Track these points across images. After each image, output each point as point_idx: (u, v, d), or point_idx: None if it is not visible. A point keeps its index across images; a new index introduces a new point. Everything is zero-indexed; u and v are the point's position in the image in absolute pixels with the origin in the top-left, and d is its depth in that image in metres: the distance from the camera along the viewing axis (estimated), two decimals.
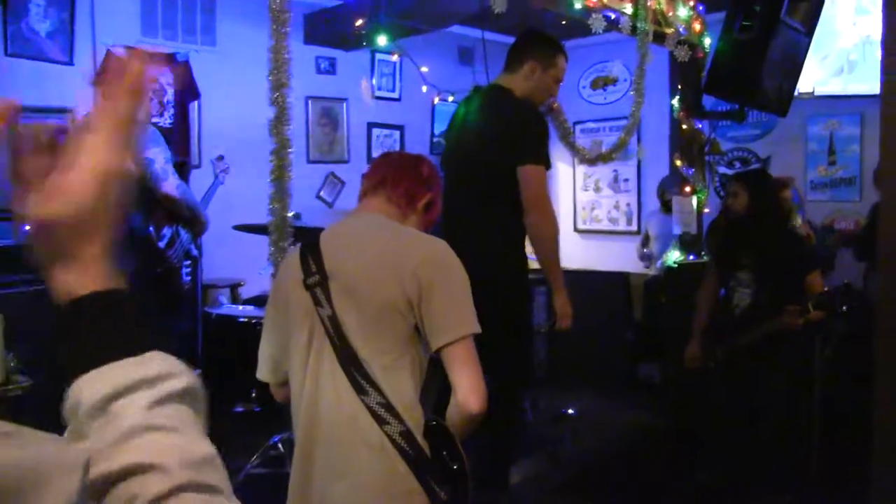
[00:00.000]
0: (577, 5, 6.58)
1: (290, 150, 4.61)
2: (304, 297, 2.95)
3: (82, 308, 1.05)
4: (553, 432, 7.05)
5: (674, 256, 8.30)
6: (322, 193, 9.83)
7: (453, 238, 3.10)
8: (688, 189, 8.28)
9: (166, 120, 8.07)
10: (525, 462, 6.53)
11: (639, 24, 7.12)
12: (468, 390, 2.80)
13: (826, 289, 5.68)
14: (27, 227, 1.04)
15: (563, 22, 7.18)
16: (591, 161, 8.13)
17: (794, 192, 8.04)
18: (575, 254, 12.25)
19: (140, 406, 1.00)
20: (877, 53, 8.91)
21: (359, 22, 7.43)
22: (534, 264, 9.46)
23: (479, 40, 6.24)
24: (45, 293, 1.07)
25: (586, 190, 12.58)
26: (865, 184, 9.35)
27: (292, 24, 4.60)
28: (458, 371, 2.82)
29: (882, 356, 3.10)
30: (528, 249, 5.29)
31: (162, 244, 5.82)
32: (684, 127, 8.46)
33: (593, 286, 9.52)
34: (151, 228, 5.73)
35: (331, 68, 9.84)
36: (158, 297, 5.68)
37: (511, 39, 5.56)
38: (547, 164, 5.03)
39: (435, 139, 10.83)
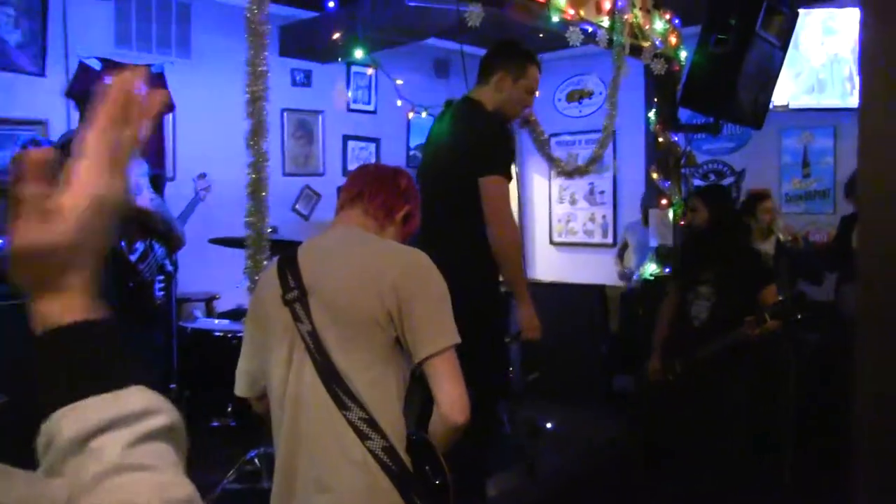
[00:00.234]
0: (555, 18, 6.58)
1: (266, 162, 4.58)
2: (283, 313, 2.93)
3: (63, 338, 1.02)
4: (530, 445, 7.03)
5: (650, 269, 8.31)
6: (297, 206, 9.81)
7: (428, 251, 3.08)
8: (664, 202, 8.30)
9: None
10: (502, 475, 6.51)
11: (615, 38, 7.12)
12: (452, 402, 2.79)
13: (781, 298, 5.71)
14: (8, 251, 1.01)
15: (541, 35, 7.18)
16: (569, 174, 8.14)
17: None
18: (550, 266, 12.29)
19: (119, 444, 0.96)
20: (844, 71, 8.97)
21: (335, 35, 7.41)
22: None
23: (455, 53, 6.26)
24: (21, 308, 1.04)
25: (562, 202, 12.58)
26: (839, 196, 9.37)
27: (267, 35, 4.58)
28: (441, 383, 2.81)
29: (862, 368, 3.08)
30: None
31: (133, 257, 5.79)
32: (660, 140, 8.47)
33: (569, 299, 9.52)
34: (123, 242, 5.70)
35: (306, 80, 9.83)
36: (130, 312, 5.64)
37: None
38: (508, 176, 4.99)
39: (411, 152, 10.83)
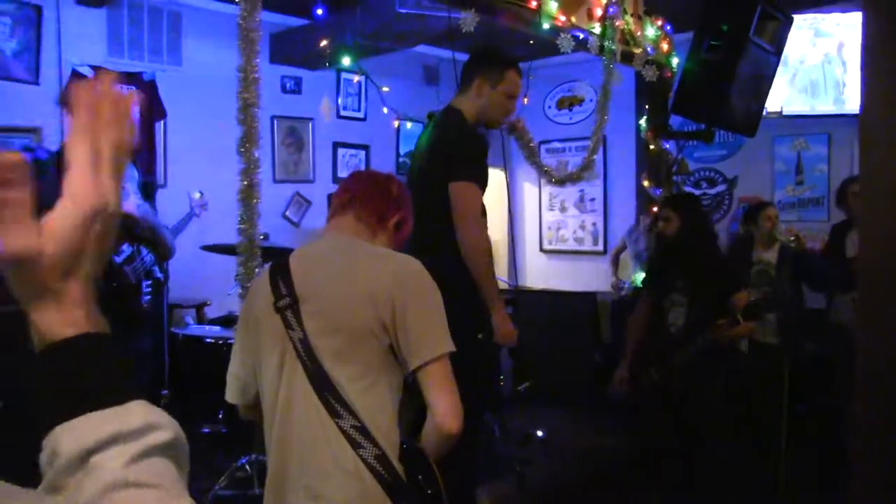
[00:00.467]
0: (546, 25, 6.57)
1: (258, 169, 4.57)
2: (274, 320, 2.91)
3: (62, 353, 1.00)
4: (521, 453, 7.02)
5: (641, 276, 8.30)
6: (288, 213, 9.78)
7: (417, 257, 3.07)
8: (655, 209, 8.29)
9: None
10: (494, 484, 6.50)
11: (606, 44, 7.12)
12: (446, 410, 2.78)
13: (752, 299, 5.73)
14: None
15: (531, 42, 7.18)
16: (559, 182, 8.13)
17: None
18: (541, 274, 12.27)
19: (120, 460, 0.95)
20: (836, 71, 8.97)
21: (323, 42, 7.41)
22: (500, 284, 9.44)
23: (444, 60, 6.25)
24: (17, 314, 1.02)
25: (552, 210, 12.56)
26: (833, 204, 9.38)
27: (259, 43, 4.58)
28: (435, 391, 2.80)
29: (862, 375, 3.08)
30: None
31: (119, 259, 5.79)
32: (652, 147, 8.47)
33: (560, 307, 9.52)
34: None
35: (296, 87, 9.81)
36: (112, 312, 5.62)
37: None
38: (479, 182, 4.97)
39: (400, 159, 10.81)
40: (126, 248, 5.86)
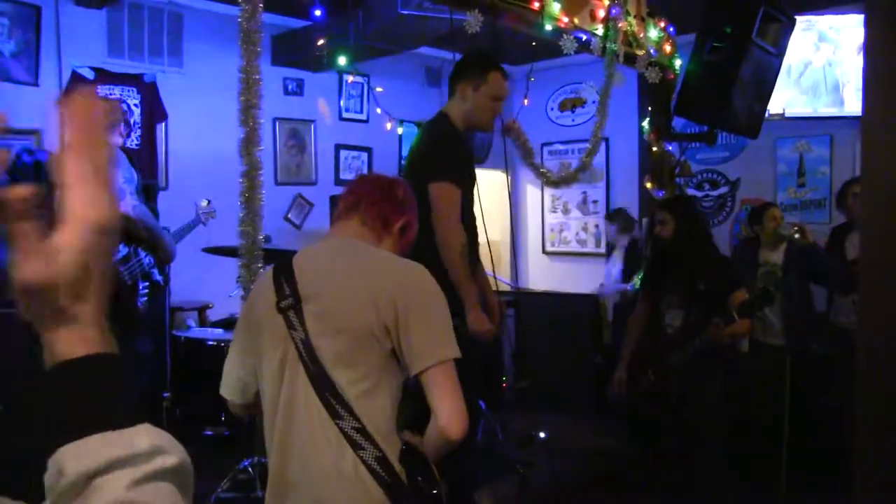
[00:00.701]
0: (549, 27, 6.56)
1: (260, 171, 4.57)
2: (277, 320, 2.90)
3: (72, 372, 0.99)
4: (523, 455, 7.01)
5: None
6: (290, 215, 9.78)
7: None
8: (652, 211, 8.28)
9: (133, 141, 8.02)
10: (496, 485, 6.49)
11: (608, 46, 7.11)
12: (449, 416, 2.77)
13: (746, 297, 5.72)
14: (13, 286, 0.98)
15: (533, 43, 7.17)
16: (555, 183, 8.14)
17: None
18: (543, 276, 12.26)
19: (123, 483, 0.94)
20: (838, 73, 8.96)
21: (320, 42, 7.41)
22: (502, 286, 9.42)
23: (447, 62, 6.24)
24: (15, 317, 1.01)
25: (554, 212, 12.56)
26: (834, 206, 9.37)
27: (260, 44, 4.57)
28: (438, 396, 2.78)
29: (862, 375, 3.08)
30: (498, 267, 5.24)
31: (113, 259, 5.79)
32: (654, 149, 8.45)
33: (562, 308, 9.52)
34: None
35: (298, 89, 9.80)
36: (109, 314, 5.61)
37: None
38: (457, 182, 4.99)
39: (403, 161, 10.80)
40: (122, 249, 5.86)
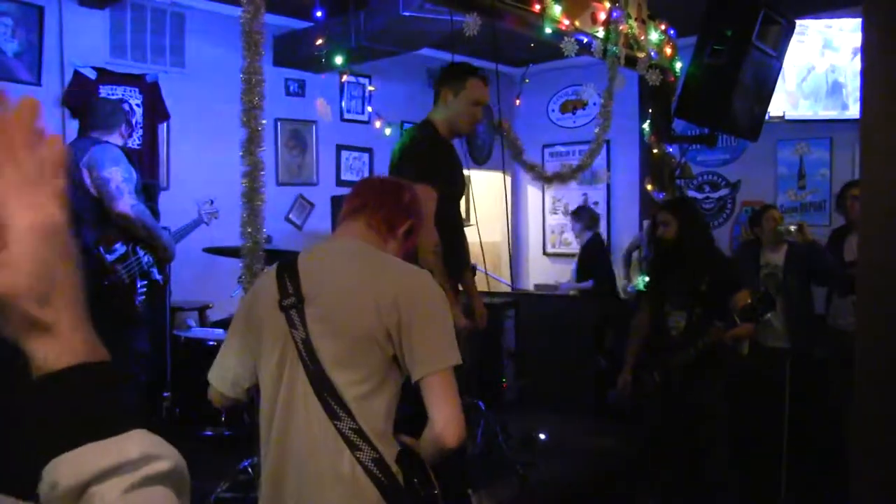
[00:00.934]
0: (549, 29, 6.58)
1: (262, 172, 4.58)
2: (278, 319, 2.90)
3: (57, 384, 0.99)
4: (524, 456, 7.01)
5: (644, 280, 8.29)
6: (291, 216, 9.78)
7: None
8: (654, 213, 8.29)
9: (135, 141, 8.03)
10: (496, 486, 6.49)
11: (609, 48, 7.12)
12: (446, 423, 2.77)
13: (749, 301, 5.73)
14: None
15: (531, 45, 7.19)
16: (548, 180, 8.16)
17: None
18: (544, 277, 12.25)
19: (117, 490, 0.95)
20: (840, 76, 8.97)
21: (319, 41, 7.42)
22: (502, 286, 9.42)
23: (448, 63, 6.24)
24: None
25: (555, 213, 12.58)
26: (835, 208, 9.37)
27: (263, 45, 4.58)
28: (435, 403, 2.78)
29: (861, 376, 3.08)
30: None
31: (111, 258, 5.79)
32: (655, 151, 8.47)
33: (564, 310, 9.51)
34: (101, 243, 5.72)
35: (300, 90, 9.81)
36: (105, 312, 5.63)
37: (482, 62, 5.59)
38: (432, 184, 5.03)
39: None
40: (119, 247, 5.86)
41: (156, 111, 8.41)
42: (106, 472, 0.94)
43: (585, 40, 6.96)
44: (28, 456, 0.97)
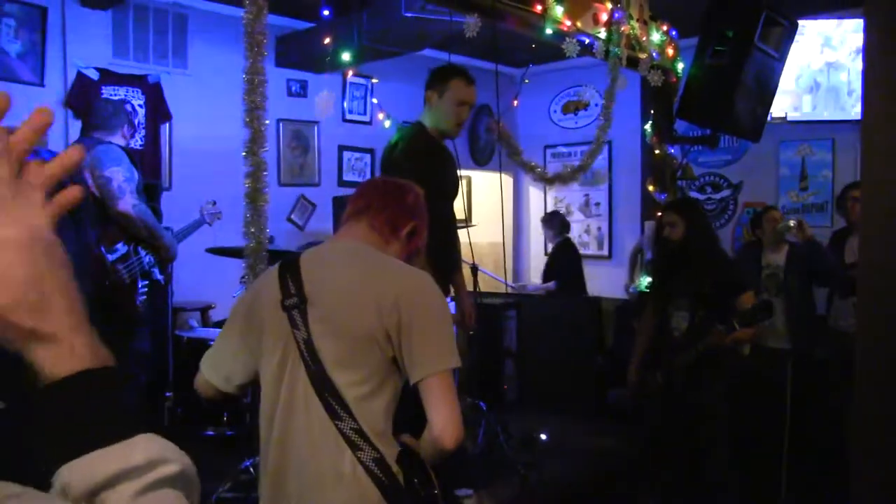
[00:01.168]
0: (548, 30, 6.59)
1: (264, 172, 4.59)
2: (280, 318, 2.90)
3: (62, 393, 0.99)
4: (524, 456, 7.01)
5: (646, 281, 8.30)
6: (293, 216, 9.79)
7: None
8: (660, 214, 8.29)
9: (137, 141, 8.03)
10: (497, 486, 6.50)
11: (611, 49, 7.13)
12: (443, 425, 2.77)
13: (750, 305, 5.73)
14: None
15: (532, 45, 7.19)
16: (548, 181, 8.17)
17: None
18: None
19: (127, 495, 0.95)
20: (842, 77, 8.97)
21: (326, 40, 7.42)
22: (502, 286, 9.40)
23: (453, 64, 6.26)
24: None
25: None
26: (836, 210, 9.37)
27: (265, 46, 4.59)
28: (434, 405, 2.79)
29: (862, 377, 3.09)
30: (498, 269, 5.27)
31: (112, 257, 5.80)
32: (657, 152, 8.47)
33: (565, 311, 9.51)
34: (102, 243, 5.73)
35: (302, 91, 9.82)
36: (106, 312, 5.65)
37: (483, 63, 5.61)
38: (418, 183, 5.05)
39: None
40: (121, 247, 5.87)
41: (158, 112, 8.42)
42: (115, 477, 0.95)
43: (587, 41, 6.96)
44: (38, 463, 0.97)
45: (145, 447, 0.99)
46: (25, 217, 1.00)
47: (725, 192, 10.71)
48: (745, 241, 8.89)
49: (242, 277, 4.64)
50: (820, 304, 7.51)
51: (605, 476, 7.17)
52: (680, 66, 8.34)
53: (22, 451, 1.02)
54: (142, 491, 0.96)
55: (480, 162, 11.96)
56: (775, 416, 6.83)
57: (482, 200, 12.32)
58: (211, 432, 6.83)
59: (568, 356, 8.86)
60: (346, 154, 10.45)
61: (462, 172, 7.90)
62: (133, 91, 8.25)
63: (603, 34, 7.11)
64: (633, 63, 7.57)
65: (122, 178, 5.72)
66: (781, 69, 7.41)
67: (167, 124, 8.58)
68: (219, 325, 7.89)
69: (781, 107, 9.06)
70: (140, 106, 8.27)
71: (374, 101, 7.88)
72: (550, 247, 10.85)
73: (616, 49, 7.17)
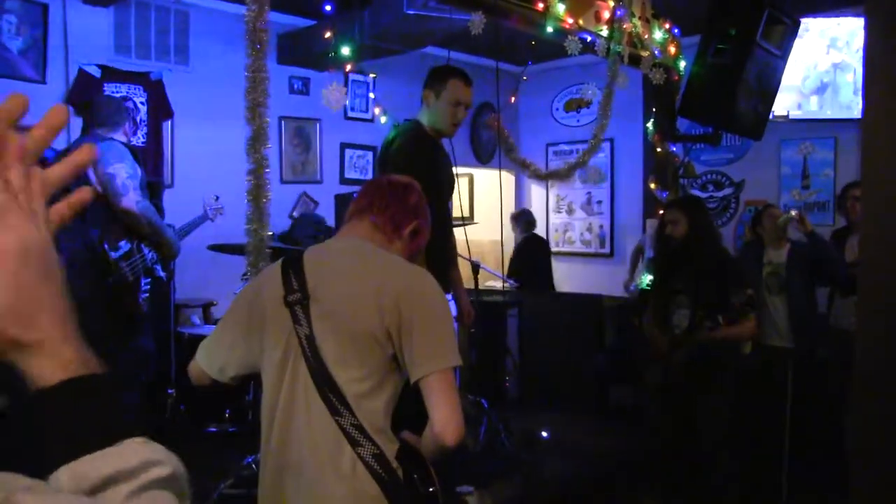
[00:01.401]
0: (549, 28, 6.59)
1: (266, 169, 4.59)
2: (282, 314, 2.91)
3: (53, 400, 0.99)
4: (526, 455, 7.01)
5: (647, 279, 8.30)
6: (295, 213, 9.78)
7: None
8: (662, 212, 8.29)
9: (140, 139, 8.03)
10: (499, 485, 6.50)
11: (613, 47, 7.13)
12: (445, 423, 2.78)
13: (736, 300, 5.74)
14: None
15: (533, 42, 7.20)
16: (542, 178, 8.19)
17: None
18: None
19: (122, 495, 0.96)
20: (848, 77, 8.97)
21: (327, 34, 7.42)
22: (506, 285, 9.39)
23: (453, 62, 6.27)
24: None
25: (559, 212, 12.58)
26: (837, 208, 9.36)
27: (267, 43, 4.60)
28: (435, 404, 2.79)
29: (861, 376, 3.09)
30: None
31: (116, 255, 5.79)
32: (658, 150, 8.47)
33: (566, 309, 9.51)
34: (106, 243, 5.72)
35: (304, 88, 9.82)
36: (110, 310, 5.65)
37: (485, 61, 5.61)
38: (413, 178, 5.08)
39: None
40: (124, 245, 5.86)
41: (160, 109, 8.42)
42: (107, 480, 0.96)
43: (589, 39, 6.96)
44: (34, 465, 0.97)
45: (136, 451, 1.00)
46: (19, 226, 0.99)
47: (727, 191, 10.71)
48: (747, 240, 8.87)
49: (244, 274, 4.65)
50: (821, 302, 7.50)
51: (605, 474, 7.17)
52: (682, 64, 8.34)
53: (20, 452, 1.03)
54: (136, 492, 0.96)
55: (483, 159, 11.96)
56: (776, 415, 6.82)
57: (484, 198, 12.33)
58: (213, 429, 6.84)
59: (569, 354, 8.86)
60: (348, 151, 10.45)
61: (465, 170, 7.90)
62: (135, 88, 8.25)
63: (605, 32, 7.11)
64: (635, 61, 7.57)
65: (125, 174, 5.70)
66: (783, 67, 7.40)
67: (169, 122, 8.58)
68: None
69: (784, 105, 9.05)
70: (142, 103, 8.27)
71: (372, 95, 7.87)
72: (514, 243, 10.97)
73: (618, 47, 7.17)
